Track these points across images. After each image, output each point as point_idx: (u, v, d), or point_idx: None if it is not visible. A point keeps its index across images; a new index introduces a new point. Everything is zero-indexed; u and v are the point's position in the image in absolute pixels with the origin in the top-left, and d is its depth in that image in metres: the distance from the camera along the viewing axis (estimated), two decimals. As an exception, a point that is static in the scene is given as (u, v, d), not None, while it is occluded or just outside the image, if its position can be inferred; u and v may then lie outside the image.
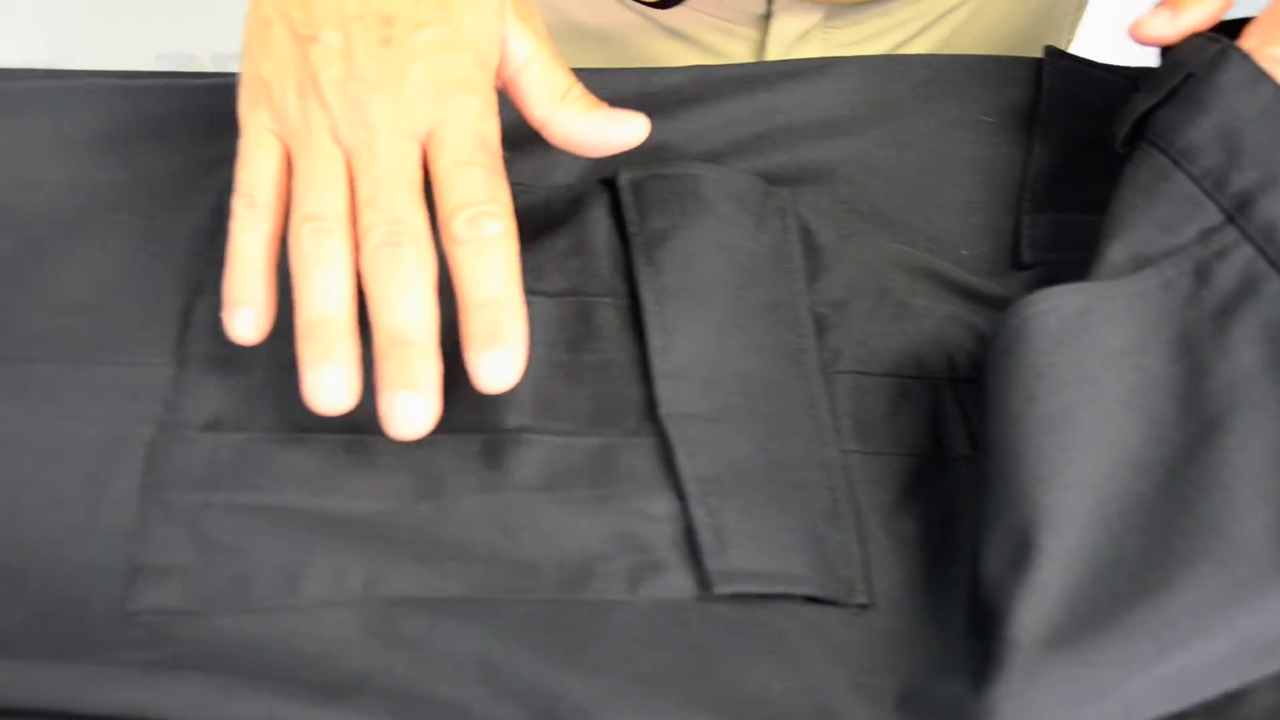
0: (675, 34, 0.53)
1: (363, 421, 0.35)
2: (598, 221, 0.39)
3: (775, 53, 0.51)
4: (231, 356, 0.36)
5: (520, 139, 0.41)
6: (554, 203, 0.40)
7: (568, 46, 0.54)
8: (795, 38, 0.51)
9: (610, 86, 0.43)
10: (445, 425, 0.35)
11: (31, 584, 0.32)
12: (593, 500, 0.33)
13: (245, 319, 0.33)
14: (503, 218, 0.33)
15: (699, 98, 0.43)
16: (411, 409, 0.31)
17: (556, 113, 0.36)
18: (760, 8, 0.51)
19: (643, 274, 0.37)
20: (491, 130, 0.34)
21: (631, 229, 0.39)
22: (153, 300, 0.38)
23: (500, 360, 0.32)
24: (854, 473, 0.35)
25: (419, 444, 0.34)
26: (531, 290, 0.37)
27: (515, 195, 0.40)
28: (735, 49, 0.53)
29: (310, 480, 0.33)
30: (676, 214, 0.39)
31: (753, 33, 0.52)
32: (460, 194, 0.33)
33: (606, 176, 0.41)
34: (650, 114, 0.42)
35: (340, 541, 0.32)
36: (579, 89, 0.37)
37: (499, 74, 0.36)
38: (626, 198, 0.39)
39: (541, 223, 0.40)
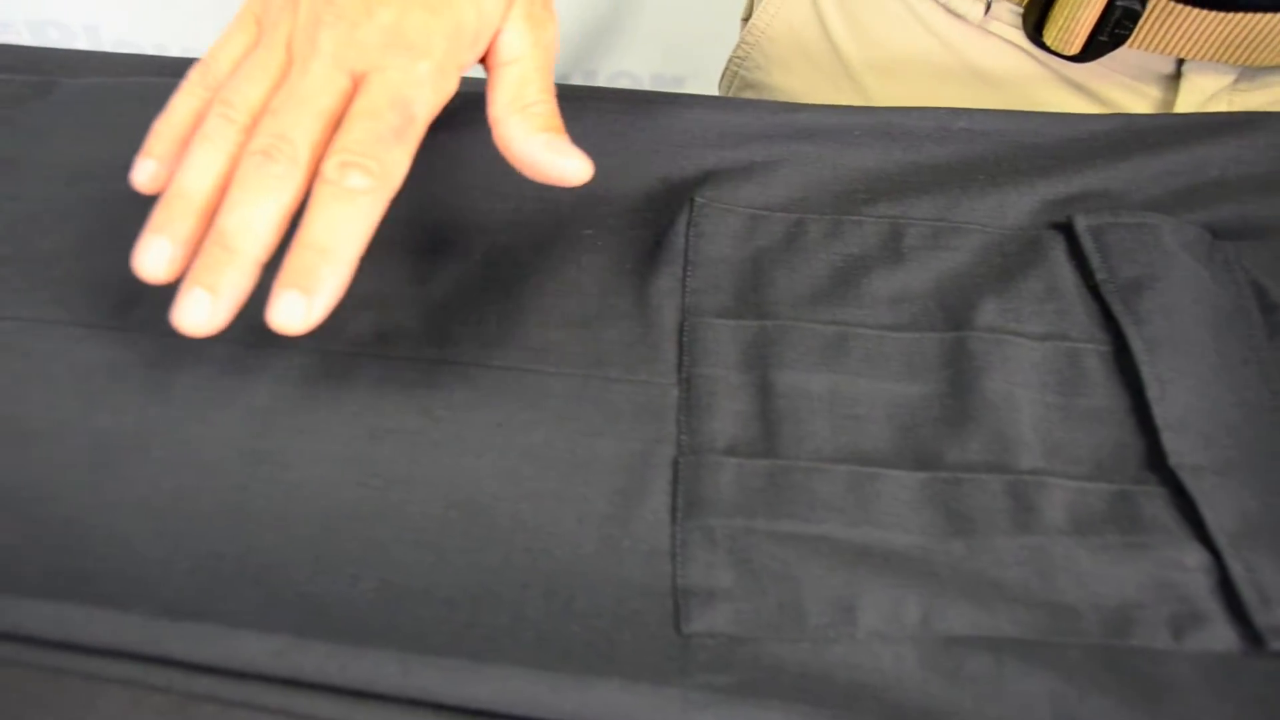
0: (1077, 87, 0.53)
1: (872, 453, 0.36)
2: (1062, 265, 0.40)
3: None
4: (740, 383, 0.36)
5: (970, 182, 0.42)
6: (1007, 244, 0.41)
7: (963, 90, 0.54)
8: (1203, 100, 0.51)
9: (1039, 131, 0.43)
10: (959, 463, 0.35)
11: (579, 600, 0.32)
12: (1125, 547, 0.34)
13: (145, 168, 0.35)
14: (374, 176, 0.31)
15: (1127, 145, 0.43)
16: (197, 308, 0.31)
17: (508, 118, 0.35)
18: (1169, 67, 0.51)
19: (1126, 323, 0.38)
20: (422, 99, 0.33)
21: (1100, 276, 0.39)
22: (644, 317, 0.38)
23: (297, 304, 0.31)
24: None
25: (940, 480, 0.35)
26: (1013, 331, 0.38)
27: (969, 234, 0.41)
28: (1137, 107, 0.52)
29: (845, 511, 0.34)
30: (1144, 264, 0.39)
31: (1157, 92, 0.52)
32: (347, 139, 0.32)
33: (1059, 221, 0.41)
34: (1084, 158, 0.43)
35: (890, 575, 0.33)
36: (546, 107, 0.35)
37: (487, 62, 0.36)
38: (1088, 244, 0.40)
39: (999, 265, 0.40)
